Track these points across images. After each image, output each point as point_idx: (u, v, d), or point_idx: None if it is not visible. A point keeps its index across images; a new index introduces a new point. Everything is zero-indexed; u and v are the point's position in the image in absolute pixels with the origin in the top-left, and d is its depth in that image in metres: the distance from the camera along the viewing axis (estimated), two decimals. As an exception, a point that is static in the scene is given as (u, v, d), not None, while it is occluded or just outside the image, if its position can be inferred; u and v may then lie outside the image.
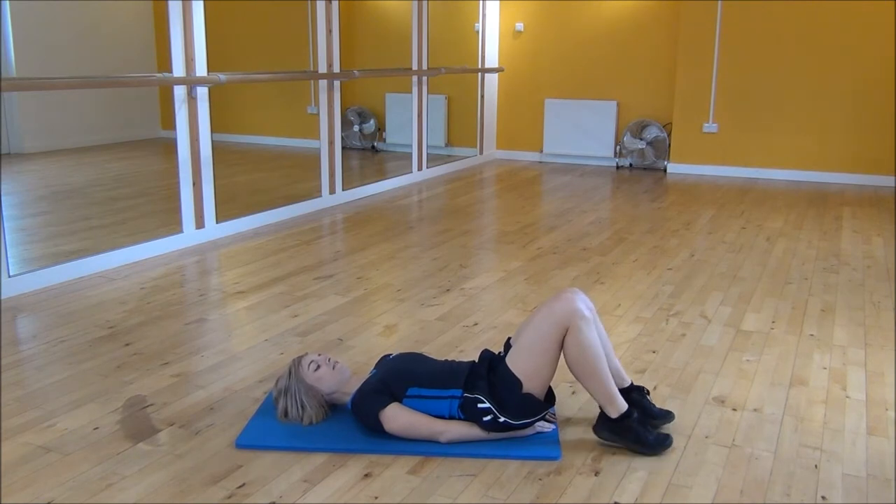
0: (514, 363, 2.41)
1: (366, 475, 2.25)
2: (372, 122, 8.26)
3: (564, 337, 2.37)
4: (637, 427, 2.38)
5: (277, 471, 2.26)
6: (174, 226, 4.80)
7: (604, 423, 2.42)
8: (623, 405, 2.40)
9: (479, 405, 2.38)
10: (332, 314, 3.62)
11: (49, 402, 2.69)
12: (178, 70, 4.66)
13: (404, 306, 3.74)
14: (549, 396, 2.50)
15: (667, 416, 2.55)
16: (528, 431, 2.44)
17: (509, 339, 2.62)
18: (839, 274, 4.30)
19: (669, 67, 7.85)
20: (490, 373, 2.47)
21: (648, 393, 2.61)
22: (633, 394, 2.55)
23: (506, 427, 2.39)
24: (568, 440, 2.45)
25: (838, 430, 2.54)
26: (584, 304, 2.45)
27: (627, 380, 2.60)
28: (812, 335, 3.39)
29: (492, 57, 8.48)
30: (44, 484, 2.19)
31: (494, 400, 2.39)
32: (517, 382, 2.38)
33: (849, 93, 7.14)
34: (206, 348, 3.20)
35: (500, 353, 2.64)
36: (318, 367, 2.54)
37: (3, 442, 2.43)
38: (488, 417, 2.38)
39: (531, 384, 2.39)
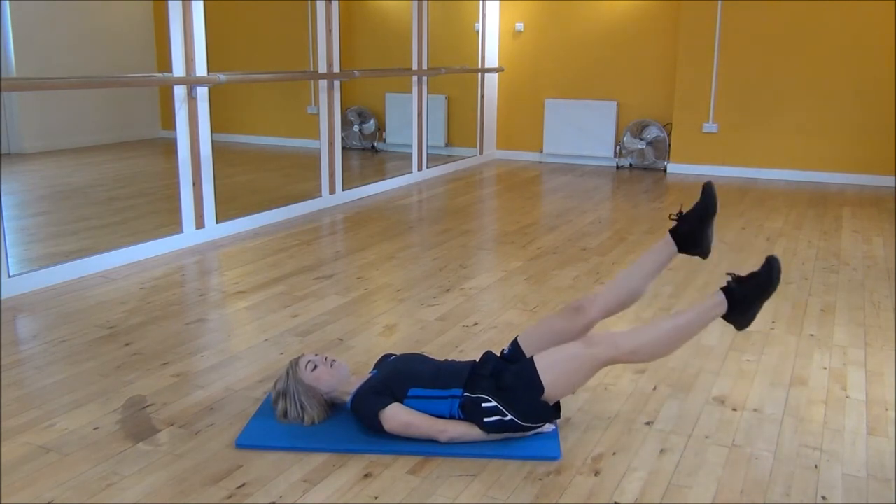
0: (544, 370, 2.37)
1: (366, 475, 2.25)
2: (372, 122, 8.26)
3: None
4: (746, 287, 2.41)
5: (277, 471, 2.26)
6: (174, 226, 4.79)
7: (733, 319, 2.46)
8: (717, 301, 2.42)
9: (484, 404, 2.37)
10: (332, 314, 3.62)
11: (49, 402, 2.69)
12: (178, 70, 4.66)
13: (404, 306, 3.74)
14: (557, 406, 2.50)
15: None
16: (528, 432, 2.43)
17: (517, 339, 2.62)
18: (839, 274, 4.30)
19: (669, 67, 7.85)
20: (499, 373, 2.47)
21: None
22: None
23: (511, 426, 2.38)
24: (568, 440, 2.45)
25: (838, 430, 2.54)
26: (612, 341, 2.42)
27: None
28: (812, 335, 3.39)
29: (492, 57, 8.48)
30: (44, 484, 2.19)
31: (502, 399, 2.38)
32: (541, 388, 2.36)
33: (849, 93, 7.14)
34: (206, 348, 3.20)
35: (503, 351, 2.64)
36: (316, 366, 2.54)
37: (3, 442, 2.43)
38: (493, 418, 2.36)
39: (552, 393, 2.39)
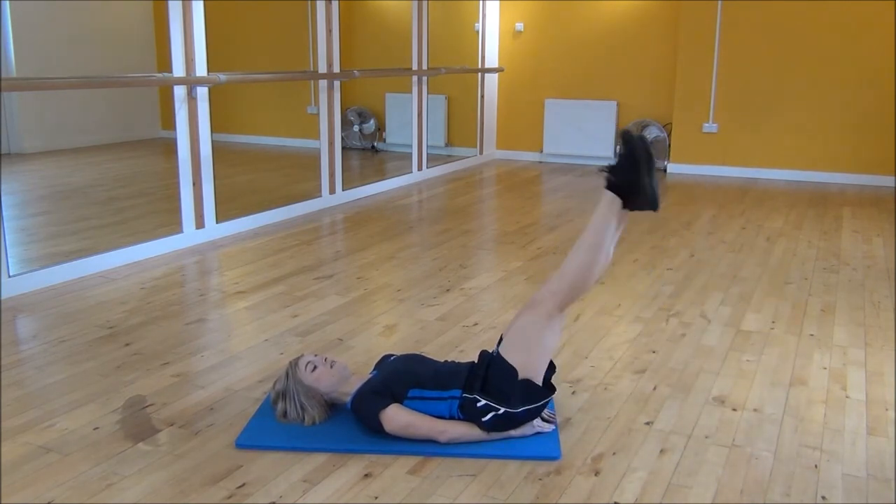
0: (508, 352, 2.43)
1: (366, 475, 2.25)
2: (372, 122, 8.26)
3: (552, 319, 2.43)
4: (619, 169, 2.43)
5: (277, 471, 2.26)
6: (174, 226, 4.79)
7: (634, 204, 2.46)
8: (608, 198, 2.43)
9: (478, 404, 2.38)
10: (332, 314, 3.62)
11: (49, 402, 2.69)
12: (178, 70, 4.66)
13: (404, 306, 3.74)
14: (550, 386, 2.50)
15: (624, 139, 2.48)
16: (528, 431, 2.44)
17: (502, 335, 2.63)
18: (839, 274, 4.31)
19: (669, 67, 7.85)
20: (486, 371, 2.47)
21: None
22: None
23: (508, 419, 2.38)
24: (568, 440, 2.45)
25: (838, 430, 2.54)
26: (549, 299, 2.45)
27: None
28: (812, 335, 3.39)
29: (492, 57, 8.48)
30: (44, 484, 2.19)
31: (491, 395, 2.39)
32: (513, 371, 2.39)
33: (849, 93, 7.14)
34: (206, 348, 3.20)
35: (493, 350, 2.65)
36: (315, 367, 2.54)
37: (3, 442, 2.43)
38: (489, 416, 2.37)
39: (528, 370, 2.40)
